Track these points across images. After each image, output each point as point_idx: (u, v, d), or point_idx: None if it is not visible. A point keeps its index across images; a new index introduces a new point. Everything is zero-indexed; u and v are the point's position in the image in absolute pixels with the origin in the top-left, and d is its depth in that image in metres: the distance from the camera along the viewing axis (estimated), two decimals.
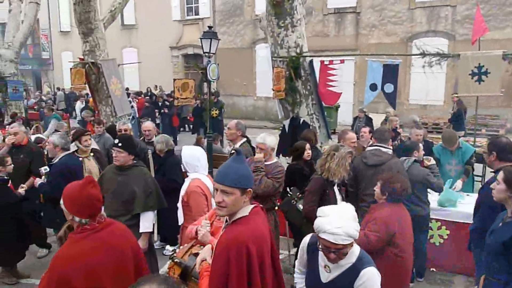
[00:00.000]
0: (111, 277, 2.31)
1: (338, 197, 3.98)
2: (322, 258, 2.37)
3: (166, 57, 22.77)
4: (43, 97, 22.51)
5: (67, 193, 2.39)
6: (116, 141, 3.82)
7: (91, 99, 15.13)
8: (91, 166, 4.94)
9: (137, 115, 14.23)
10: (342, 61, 7.30)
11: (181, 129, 16.50)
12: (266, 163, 4.34)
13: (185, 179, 3.89)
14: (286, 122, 7.41)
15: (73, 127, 7.36)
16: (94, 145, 5.59)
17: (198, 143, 8.78)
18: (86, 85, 9.61)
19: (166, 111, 14.37)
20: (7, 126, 8.81)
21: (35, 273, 5.16)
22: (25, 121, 11.41)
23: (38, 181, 4.71)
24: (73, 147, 5.08)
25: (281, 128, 7.73)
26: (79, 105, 16.06)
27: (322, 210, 2.30)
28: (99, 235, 2.38)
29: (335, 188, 3.96)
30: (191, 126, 15.26)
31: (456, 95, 11.87)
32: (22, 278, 5.08)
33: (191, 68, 21.59)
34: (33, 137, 7.28)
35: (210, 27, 9.23)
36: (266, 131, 5.10)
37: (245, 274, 2.09)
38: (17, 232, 4.83)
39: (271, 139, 4.42)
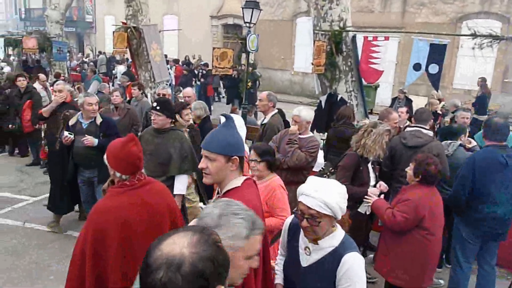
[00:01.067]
0: (145, 232, 2.39)
1: (372, 175, 3.93)
2: (303, 240, 2.18)
3: (206, 26, 22.71)
4: (85, 59, 23.05)
5: (110, 149, 2.48)
6: (155, 104, 3.88)
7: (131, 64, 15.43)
8: None
9: (174, 83, 14.37)
10: (386, 38, 7.08)
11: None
12: (301, 136, 4.32)
13: None
14: (323, 98, 7.31)
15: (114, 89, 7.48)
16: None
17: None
18: (127, 49, 9.74)
19: (202, 80, 14.44)
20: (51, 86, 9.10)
21: (72, 225, 5.45)
22: (68, 82, 11.76)
23: (93, 139, 4.61)
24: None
25: (317, 104, 7.64)
26: (121, 69, 16.35)
27: (310, 178, 2.15)
28: (137, 191, 2.45)
29: (369, 166, 3.90)
30: (226, 96, 15.29)
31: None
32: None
33: (230, 38, 21.48)
34: None
35: None
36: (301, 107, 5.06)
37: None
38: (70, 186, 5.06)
39: (307, 112, 4.38)
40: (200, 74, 15.39)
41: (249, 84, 12.51)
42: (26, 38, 14.97)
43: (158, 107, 3.86)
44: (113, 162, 2.48)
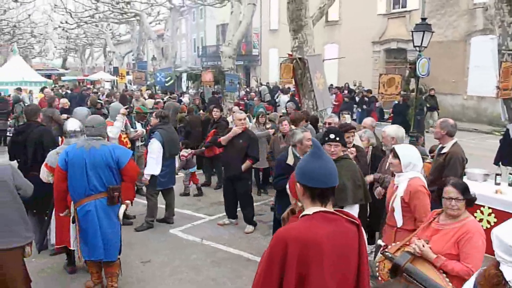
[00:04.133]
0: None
1: None
2: None
3: (367, 52, 22.39)
4: (247, 89, 24.94)
5: (292, 179, 2.51)
6: (332, 136, 3.84)
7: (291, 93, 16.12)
8: None
9: (335, 110, 14.43)
10: None
11: None
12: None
13: (398, 178, 3.69)
14: (511, 126, 6.37)
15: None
16: None
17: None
18: (292, 79, 10.16)
19: (364, 107, 14.16)
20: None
21: (242, 246, 5.77)
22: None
23: None
24: None
25: (503, 133, 6.70)
26: (284, 98, 17.17)
27: None
28: None
29: None
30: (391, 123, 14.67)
31: None
32: None
33: (393, 63, 20.75)
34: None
35: (423, 19, 8.61)
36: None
37: (273, 272, 1.92)
38: None
39: (393, 129, 4.47)
40: (363, 100, 15.13)
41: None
42: (204, 72, 16.99)
43: (337, 138, 3.84)
44: (295, 192, 2.50)
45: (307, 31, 10.36)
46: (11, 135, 11.87)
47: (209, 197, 8.10)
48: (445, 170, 4.54)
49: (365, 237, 2.11)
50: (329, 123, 6.75)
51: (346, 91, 18.78)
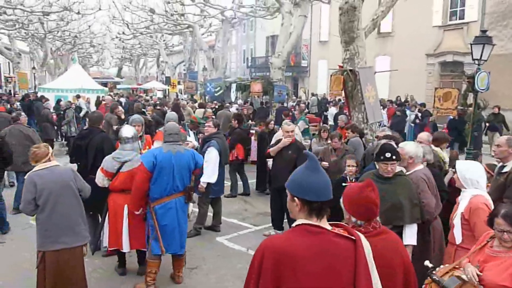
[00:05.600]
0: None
1: None
2: None
3: (421, 65, 21.70)
4: (298, 100, 24.85)
5: (347, 193, 2.48)
6: (389, 154, 3.68)
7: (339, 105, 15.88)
8: None
9: (387, 124, 14.05)
10: None
11: None
12: (407, 172, 4.03)
13: (462, 194, 3.54)
14: None
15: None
16: None
17: (452, 158, 8.01)
18: (342, 91, 10.01)
19: (417, 121, 13.69)
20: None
21: None
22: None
23: None
24: None
25: None
26: (333, 110, 16.96)
27: None
28: (372, 240, 2.34)
29: None
30: None
31: None
32: None
33: (447, 77, 19.99)
34: None
35: (484, 31, 8.25)
36: None
37: (251, 282, 1.92)
38: None
39: (412, 146, 4.20)
40: (415, 115, 14.60)
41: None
42: (253, 83, 17.15)
43: (393, 156, 3.70)
44: (348, 206, 2.47)
45: (359, 43, 10.20)
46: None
47: (255, 207, 8.12)
48: (507, 191, 4.32)
49: (367, 252, 2.01)
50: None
51: (396, 105, 18.25)
